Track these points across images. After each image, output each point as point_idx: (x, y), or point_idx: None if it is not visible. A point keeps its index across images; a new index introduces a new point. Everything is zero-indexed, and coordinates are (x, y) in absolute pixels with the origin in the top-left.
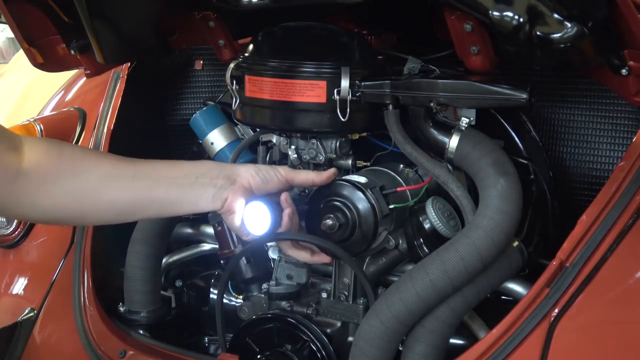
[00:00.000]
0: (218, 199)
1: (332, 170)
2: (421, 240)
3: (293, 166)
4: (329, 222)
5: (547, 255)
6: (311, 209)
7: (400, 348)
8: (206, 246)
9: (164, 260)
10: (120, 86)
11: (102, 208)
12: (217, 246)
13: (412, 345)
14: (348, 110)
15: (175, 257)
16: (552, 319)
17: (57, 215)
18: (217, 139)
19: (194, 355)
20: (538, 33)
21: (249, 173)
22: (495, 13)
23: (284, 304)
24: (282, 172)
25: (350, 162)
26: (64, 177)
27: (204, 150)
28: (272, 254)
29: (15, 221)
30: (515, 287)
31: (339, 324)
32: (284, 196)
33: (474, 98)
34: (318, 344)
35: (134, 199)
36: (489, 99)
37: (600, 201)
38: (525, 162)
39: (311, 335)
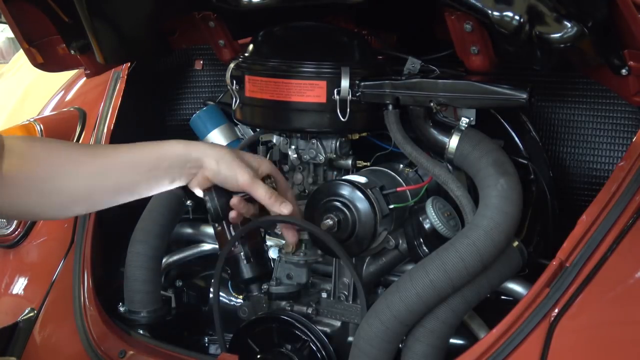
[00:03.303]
0: (181, 183)
1: (289, 209)
2: (421, 240)
3: (293, 166)
4: (329, 222)
5: (547, 255)
6: (310, 209)
7: (401, 347)
8: (206, 246)
9: (164, 260)
10: (120, 86)
11: (82, 209)
12: (217, 246)
13: (412, 345)
14: (348, 110)
15: (175, 257)
16: (552, 319)
17: (37, 215)
18: (217, 139)
19: (194, 355)
20: (538, 33)
21: (211, 169)
22: (495, 13)
23: (284, 304)
24: (241, 182)
25: (350, 162)
26: (42, 182)
27: None
28: (272, 254)
29: (16, 221)
30: (515, 287)
31: (339, 324)
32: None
33: (474, 98)
34: (318, 344)
35: (108, 193)
36: (489, 99)
37: (600, 201)
38: (525, 162)
39: (311, 335)
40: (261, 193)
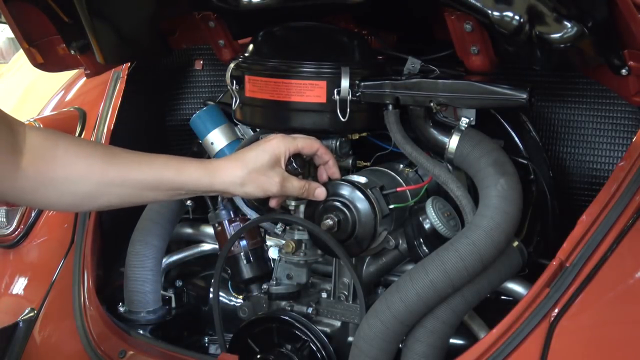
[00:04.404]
0: None
1: (323, 192)
2: (421, 240)
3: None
4: (329, 222)
5: (547, 255)
6: (310, 209)
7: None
8: (206, 246)
9: (164, 260)
10: (120, 86)
11: (95, 208)
12: (217, 246)
13: (412, 345)
14: (348, 110)
15: (175, 257)
16: (552, 319)
17: (49, 207)
18: (217, 139)
19: (194, 355)
20: (538, 33)
21: (239, 193)
22: (495, 13)
23: (284, 304)
24: (272, 194)
25: (350, 162)
26: (59, 183)
27: (204, 151)
28: (272, 254)
29: (16, 221)
30: (515, 287)
31: (339, 324)
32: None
33: (474, 98)
34: (318, 344)
35: (125, 203)
36: (489, 99)
37: (600, 201)
38: (525, 162)
39: (311, 335)
40: (294, 193)
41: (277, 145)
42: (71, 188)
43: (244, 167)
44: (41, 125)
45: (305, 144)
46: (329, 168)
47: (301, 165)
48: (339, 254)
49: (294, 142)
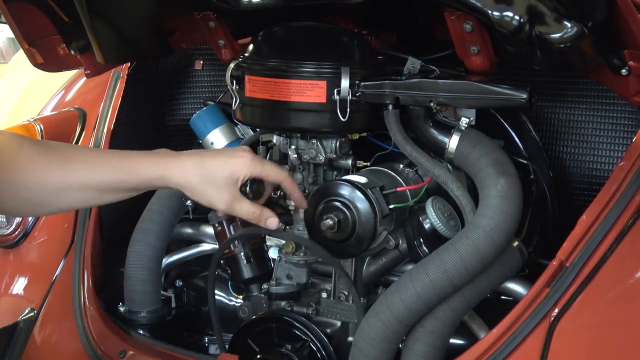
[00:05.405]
0: None
1: (275, 223)
2: (421, 240)
3: (293, 166)
4: (329, 222)
5: (547, 255)
6: (310, 209)
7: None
8: (206, 246)
9: (164, 260)
10: (120, 86)
11: (56, 210)
12: (217, 246)
13: (412, 345)
14: (348, 110)
15: (175, 257)
16: (552, 319)
17: (15, 214)
18: (217, 138)
19: (194, 355)
20: (538, 33)
21: (190, 196)
22: (495, 13)
23: (284, 304)
24: (219, 208)
25: (350, 162)
26: (18, 188)
27: None
28: (272, 254)
29: (16, 221)
30: (515, 287)
31: (339, 324)
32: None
33: (474, 98)
34: (318, 344)
35: (86, 204)
36: (489, 99)
37: (600, 201)
38: (525, 162)
39: (311, 335)
40: (242, 214)
41: (241, 166)
42: (29, 194)
43: (199, 174)
44: (41, 125)
45: (272, 172)
46: (296, 200)
47: (255, 192)
48: (332, 264)
49: (260, 166)
